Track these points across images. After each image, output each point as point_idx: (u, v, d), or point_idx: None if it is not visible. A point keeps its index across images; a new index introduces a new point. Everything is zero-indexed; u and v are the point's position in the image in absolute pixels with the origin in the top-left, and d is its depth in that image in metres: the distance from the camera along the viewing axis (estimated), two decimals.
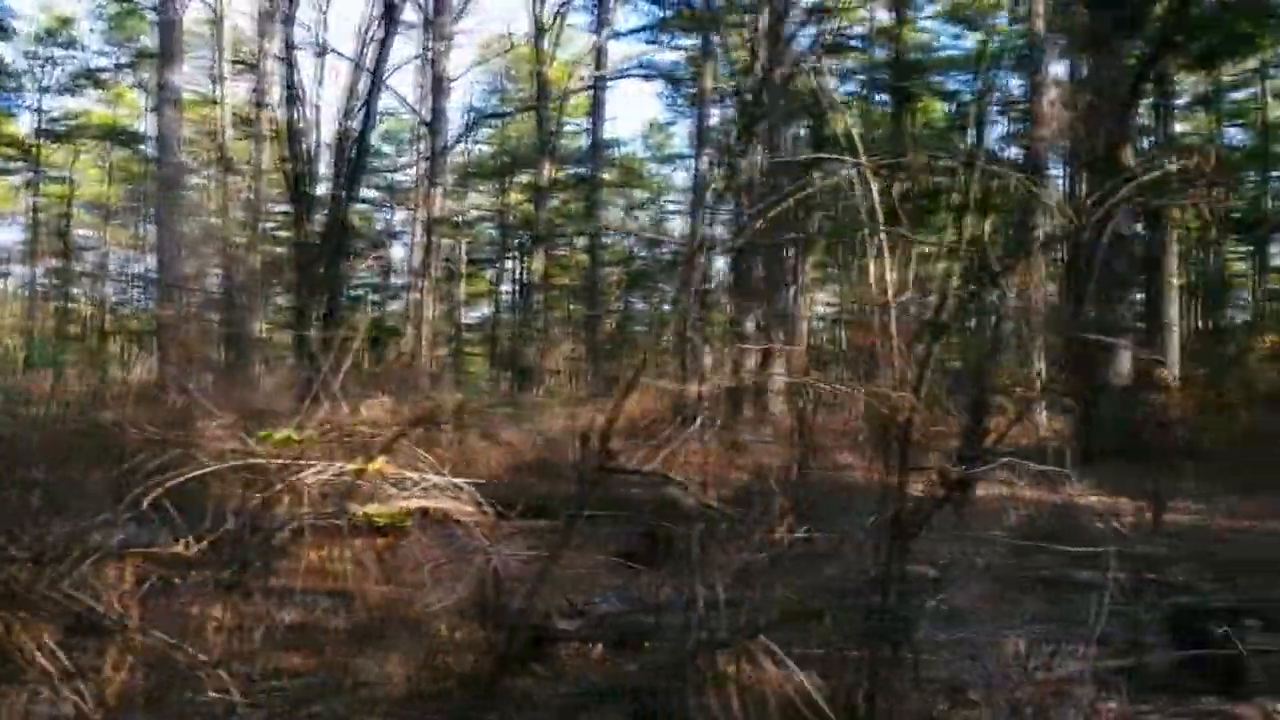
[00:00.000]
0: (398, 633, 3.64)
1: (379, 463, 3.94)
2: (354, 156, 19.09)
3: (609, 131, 32.69)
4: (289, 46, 20.99)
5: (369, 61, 19.71)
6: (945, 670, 3.38)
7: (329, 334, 16.98)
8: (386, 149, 40.43)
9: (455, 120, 31.72)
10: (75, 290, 38.36)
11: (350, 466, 3.87)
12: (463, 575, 3.60)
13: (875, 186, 3.55)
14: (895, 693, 2.94)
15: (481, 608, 3.34)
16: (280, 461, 3.83)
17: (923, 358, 3.41)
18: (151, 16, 23.18)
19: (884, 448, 3.32)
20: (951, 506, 8.84)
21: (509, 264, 40.89)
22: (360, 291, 43.26)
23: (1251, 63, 23.81)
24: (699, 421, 3.84)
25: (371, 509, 3.90)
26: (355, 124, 20.43)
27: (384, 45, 17.98)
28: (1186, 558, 8.04)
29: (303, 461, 3.86)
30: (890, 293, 3.40)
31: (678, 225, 36.54)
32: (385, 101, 31.58)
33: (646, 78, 24.04)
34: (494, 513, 3.84)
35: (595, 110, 26.96)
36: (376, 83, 18.44)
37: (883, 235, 3.51)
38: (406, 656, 3.43)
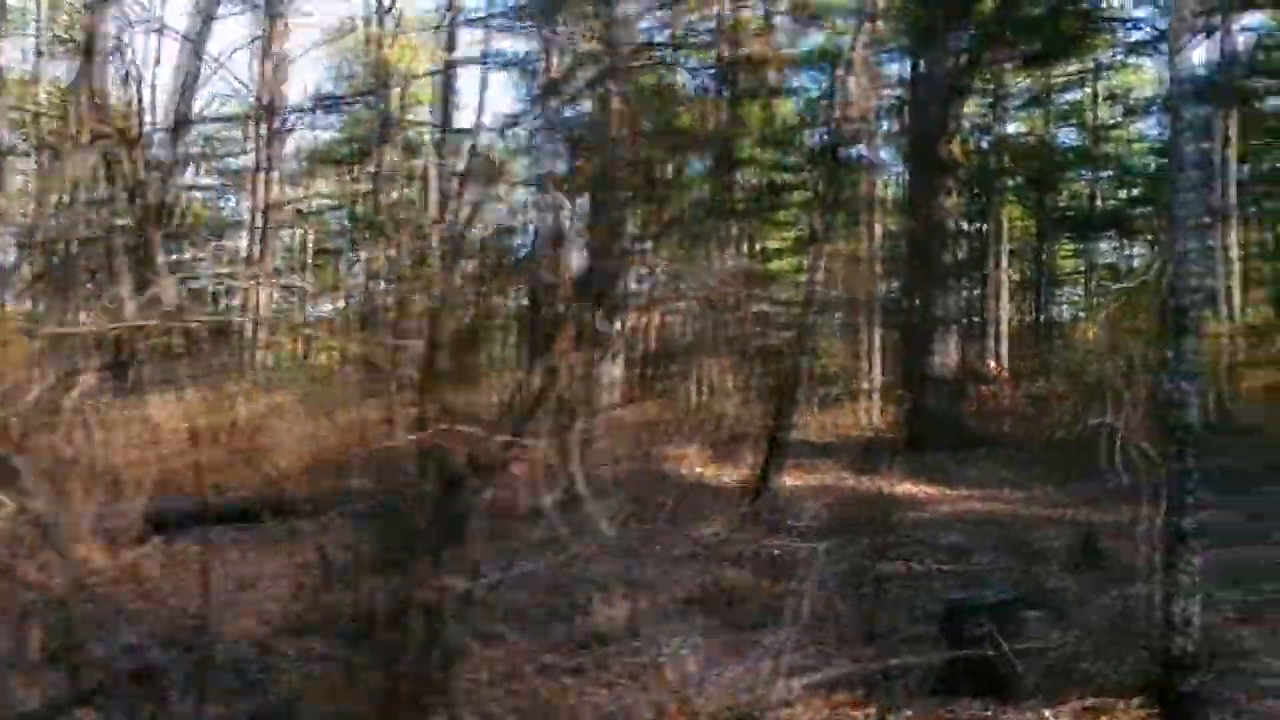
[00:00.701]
0: None
1: None
2: (181, 137, 18.18)
3: (460, 121, 31.94)
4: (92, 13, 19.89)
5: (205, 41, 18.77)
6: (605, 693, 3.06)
7: (144, 323, 16.10)
8: (229, 134, 38.84)
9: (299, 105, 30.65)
10: None
11: None
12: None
13: None
14: None
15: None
16: None
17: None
18: None
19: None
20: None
21: (359, 255, 39.74)
22: (200, 282, 41.47)
23: (1083, 64, 24.53)
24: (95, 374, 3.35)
25: None
26: (186, 105, 19.48)
27: (210, 21, 17.17)
28: (994, 546, 8.09)
29: None
30: None
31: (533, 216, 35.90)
32: (224, 84, 30.26)
33: (493, 66, 23.51)
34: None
35: (444, 98, 26.23)
36: (196, 57, 17.60)
37: None
38: None
